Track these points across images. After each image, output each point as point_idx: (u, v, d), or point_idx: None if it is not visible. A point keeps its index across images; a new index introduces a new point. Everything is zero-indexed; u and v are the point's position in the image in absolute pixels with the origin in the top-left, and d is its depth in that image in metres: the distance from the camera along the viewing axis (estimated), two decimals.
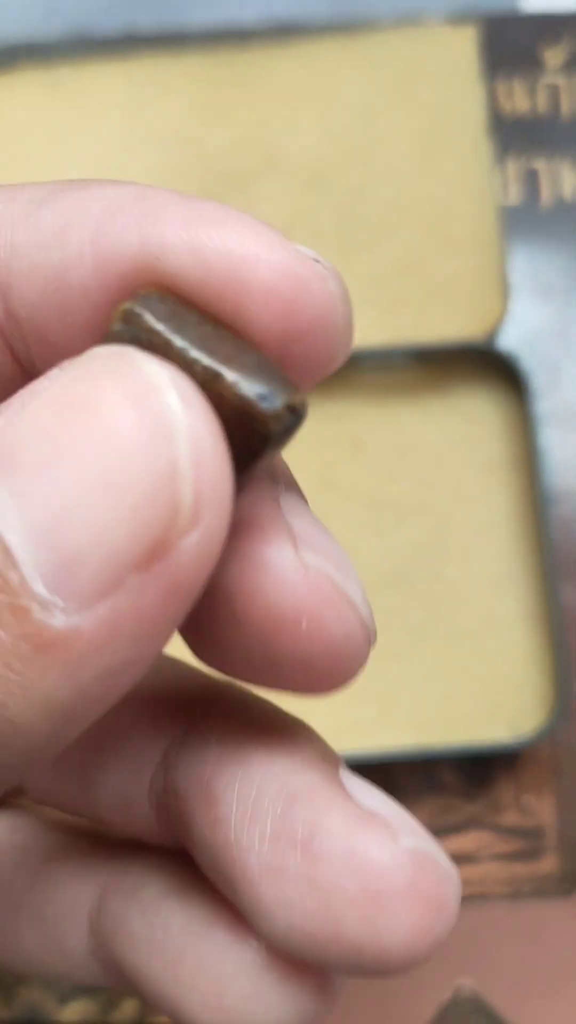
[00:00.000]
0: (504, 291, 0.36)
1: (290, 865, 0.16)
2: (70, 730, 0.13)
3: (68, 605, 0.12)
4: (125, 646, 0.13)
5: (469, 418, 0.35)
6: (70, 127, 0.38)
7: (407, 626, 0.34)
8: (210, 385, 0.13)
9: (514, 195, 0.37)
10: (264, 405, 0.13)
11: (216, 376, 0.13)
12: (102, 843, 0.19)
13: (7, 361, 0.16)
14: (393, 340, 0.35)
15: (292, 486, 0.16)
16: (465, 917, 0.27)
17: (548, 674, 0.33)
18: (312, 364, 0.14)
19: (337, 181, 0.37)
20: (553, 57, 0.38)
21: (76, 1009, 0.33)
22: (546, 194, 0.37)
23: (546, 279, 0.37)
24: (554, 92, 0.38)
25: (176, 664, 0.18)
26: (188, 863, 0.18)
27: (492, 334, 0.35)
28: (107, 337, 0.14)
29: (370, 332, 0.35)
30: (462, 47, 0.38)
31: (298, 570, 0.15)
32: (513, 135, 0.38)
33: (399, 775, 0.34)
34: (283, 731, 0.17)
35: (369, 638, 0.15)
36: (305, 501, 0.16)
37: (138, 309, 0.14)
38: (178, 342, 0.13)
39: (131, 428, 0.12)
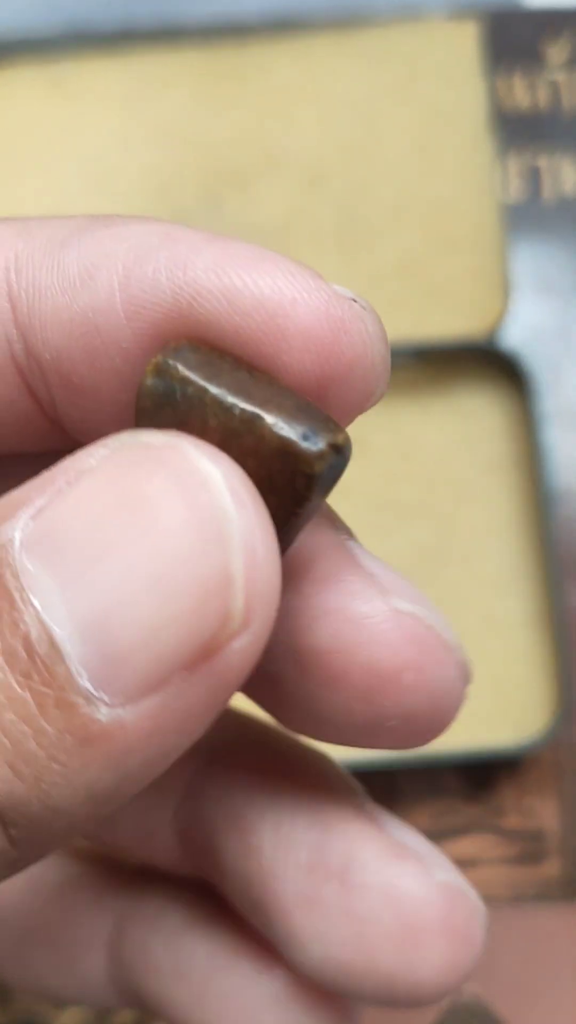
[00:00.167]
0: (506, 289, 0.36)
1: (326, 896, 0.16)
2: (109, 809, 0.13)
3: (113, 700, 0.12)
4: (168, 739, 0.13)
5: (471, 417, 0.35)
6: (68, 122, 0.37)
7: None
8: (250, 429, 0.13)
9: (515, 192, 0.37)
10: (307, 445, 0.13)
11: (255, 419, 0.13)
12: (118, 871, 0.19)
13: (26, 401, 0.15)
14: (394, 339, 0.35)
15: (346, 529, 0.16)
16: None
17: (551, 676, 0.33)
18: (348, 404, 0.14)
19: (337, 177, 0.37)
20: (555, 53, 0.38)
21: (73, 1014, 0.33)
22: (548, 191, 0.37)
23: (548, 277, 0.36)
24: (555, 88, 0.38)
25: None
26: (206, 893, 0.18)
27: (494, 333, 0.35)
28: (141, 393, 0.14)
29: None
30: (463, 43, 0.38)
31: (392, 620, 0.15)
32: (514, 131, 0.37)
33: (400, 776, 0.33)
34: (307, 761, 0.17)
35: (467, 679, 0.15)
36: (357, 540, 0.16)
37: (170, 361, 0.13)
38: (213, 389, 0.13)
39: (184, 529, 0.12)
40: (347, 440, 0.13)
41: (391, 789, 0.33)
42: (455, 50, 0.38)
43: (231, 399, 0.13)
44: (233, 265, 0.14)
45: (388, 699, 0.15)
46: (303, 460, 0.13)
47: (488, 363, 0.35)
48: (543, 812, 0.33)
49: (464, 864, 0.33)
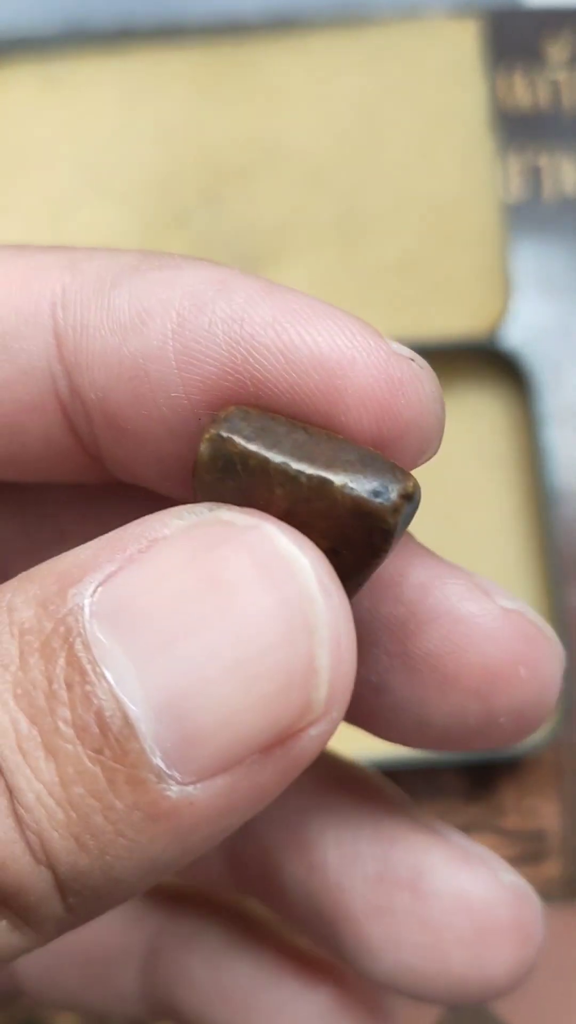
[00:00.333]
0: (506, 288, 0.36)
1: (398, 905, 0.16)
2: (165, 877, 0.13)
3: (184, 778, 0.12)
4: (235, 816, 0.13)
5: (472, 417, 0.35)
6: (67, 121, 0.37)
7: None
8: (319, 494, 0.13)
9: (516, 191, 0.37)
10: (380, 500, 0.13)
11: (324, 483, 0.13)
12: (153, 889, 0.19)
13: (66, 435, 0.15)
14: (394, 338, 0.35)
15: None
16: None
17: None
18: (402, 461, 0.14)
19: (337, 176, 0.37)
20: (556, 52, 0.38)
21: (73, 1016, 0.33)
22: (548, 190, 0.37)
23: (549, 276, 0.36)
24: (556, 87, 0.38)
25: None
26: (242, 913, 0.19)
27: (494, 332, 0.35)
28: (200, 467, 0.13)
29: None
30: (464, 41, 0.38)
31: (501, 618, 0.15)
32: (515, 130, 0.37)
33: (400, 777, 0.33)
34: (356, 775, 0.18)
35: (563, 668, 0.15)
36: None
37: (224, 434, 0.13)
38: (276, 459, 0.13)
39: (270, 617, 0.12)
40: (416, 486, 0.13)
41: None
42: (456, 49, 0.38)
43: (295, 466, 0.13)
44: (291, 321, 0.13)
45: (503, 695, 0.15)
46: (378, 517, 0.13)
47: (489, 362, 0.35)
48: (543, 812, 0.33)
49: None
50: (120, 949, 0.19)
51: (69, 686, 0.12)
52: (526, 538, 0.34)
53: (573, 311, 0.36)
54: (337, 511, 0.13)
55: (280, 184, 0.37)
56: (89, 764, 0.12)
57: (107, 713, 0.12)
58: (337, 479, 0.13)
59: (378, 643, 0.15)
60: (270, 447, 0.13)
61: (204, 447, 0.13)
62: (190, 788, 0.12)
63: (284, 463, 0.13)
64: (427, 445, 0.14)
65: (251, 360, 0.13)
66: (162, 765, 0.12)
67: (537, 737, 0.32)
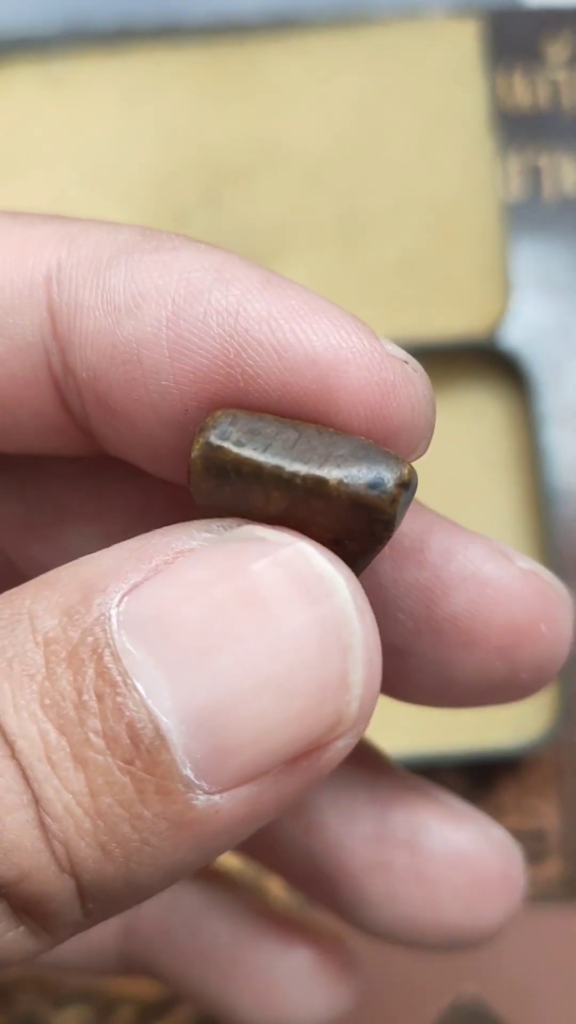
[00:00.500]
0: (506, 288, 0.36)
1: (396, 862, 0.17)
2: (179, 880, 0.13)
3: (211, 787, 0.12)
4: (256, 823, 0.13)
5: (471, 417, 0.35)
6: (67, 121, 0.37)
7: None
8: (316, 493, 0.13)
9: (516, 191, 0.37)
10: (377, 493, 0.13)
11: (320, 482, 0.13)
12: None
13: (59, 410, 0.15)
14: (394, 337, 0.35)
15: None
16: None
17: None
18: None
19: (337, 176, 0.37)
20: (555, 52, 0.38)
21: (72, 1014, 0.33)
22: (548, 190, 0.37)
23: (549, 276, 0.36)
24: (556, 87, 0.38)
25: None
26: (219, 875, 0.19)
27: (494, 332, 0.35)
28: (194, 476, 0.13)
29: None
30: (464, 41, 0.38)
31: (522, 578, 0.15)
32: (515, 130, 0.37)
33: None
34: None
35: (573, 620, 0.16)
36: None
37: (214, 442, 0.13)
38: (268, 464, 0.13)
39: (307, 635, 0.12)
40: (412, 471, 0.13)
41: None
42: (455, 49, 0.38)
43: (289, 469, 0.13)
44: (286, 317, 0.13)
45: (526, 651, 0.15)
46: (377, 509, 0.13)
47: (488, 362, 0.35)
48: (543, 812, 0.33)
49: None
50: None
51: (99, 697, 0.12)
52: (526, 538, 0.34)
53: (573, 311, 0.36)
54: (336, 507, 0.13)
55: (280, 184, 0.37)
56: (119, 775, 0.12)
57: (139, 725, 0.12)
58: (332, 477, 0.13)
59: (403, 609, 0.15)
60: (262, 451, 0.13)
61: (196, 457, 0.13)
62: (216, 797, 0.12)
63: (277, 467, 0.13)
64: (416, 447, 0.14)
65: (244, 355, 0.13)
66: (191, 775, 0.12)
67: (537, 737, 0.32)
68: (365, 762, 0.18)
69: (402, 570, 0.16)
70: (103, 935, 0.20)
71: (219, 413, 0.13)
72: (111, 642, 0.12)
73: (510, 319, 0.35)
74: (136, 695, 0.12)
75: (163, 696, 0.12)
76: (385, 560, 0.15)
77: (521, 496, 0.35)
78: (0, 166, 0.37)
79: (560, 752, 0.33)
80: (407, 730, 0.33)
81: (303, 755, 0.12)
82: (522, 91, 0.38)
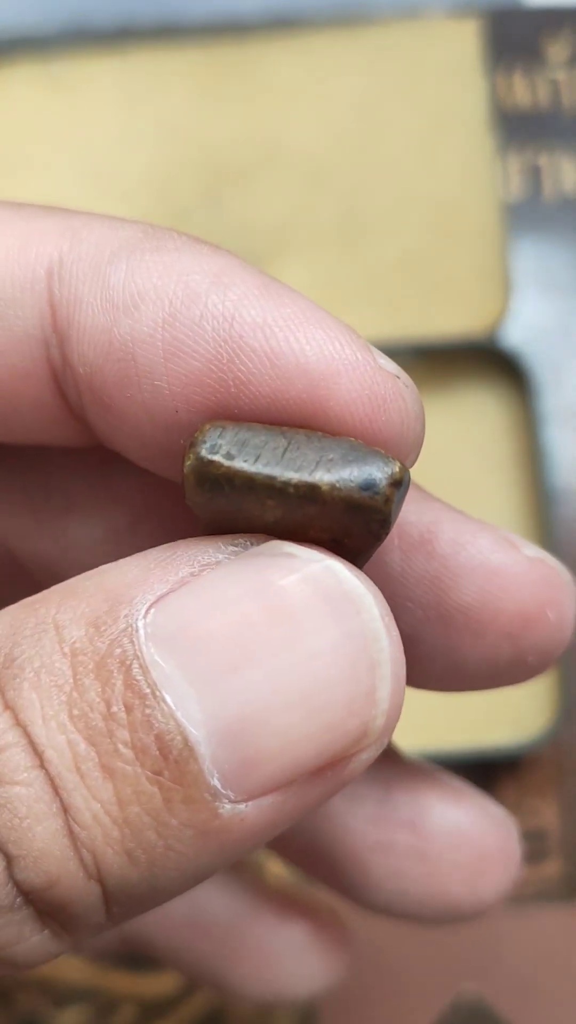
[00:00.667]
0: (506, 288, 0.36)
1: (399, 841, 0.18)
2: (201, 882, 0.13)
3: (237, 796, 0.12)
4: (277, 830, 0.13)
5: (472, 417, 0.35)
6: (67, 120, 0.37)
7: None
8: (310, 499, 0.13)
9: (516, 190, 0.37)
10: (370, 494, 0.13)
11: (312, 488, 0.13)
12: None
13: (58, 402, 0.15)
14: (395, 337, 0.35)
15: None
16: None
17: (551, 676, 0.33)
18: None
19: (337, 176, 0.37)
20: (556, 51, 0.38)
21: (72, 1014, 0.33)
22: (548, 189, 0.37)
23: (549, 275, 0.36)
24: (556, 86, 0.38)
25: None
26: None
27: (494, 331, 0.35)
28: (188, 490, 0.13)
29: (371, 329, 0.35)
30: (464, 41, 0.38)
31: (530, 566, 0.16)
32: (515, 130, 0.37)
33: None
34: None
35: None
36: None
37: (205, 456, 0.13)
38: (260, 474, 0.13)
39: (336, 651, 0.13)
40: (404, 468, 0.13)
41: None
42: (455, 48, 0.38)
43: (281, 479, 0.13)
44: (281, 325, 0.13)
45: (533, 636, 0.16)
46: (372, 509, 0.13)
47: (489, 362, 0.35)
48: (543, 812, 0.33)
49: None
50: None
51: (128, 709, 0.12)
52: (526, 538, 0.34)
53: (573, 311, 0.36)
54: (331, 510, 0.13)
55: (280, 184, 0.37)
56: (147, 785, 0.12)
57: (167, 736, 0.12)
58: (324, 482, 0.13)
59: (412, 598, 0.16)
60: (253, 462, 0.13)
61: (188, 472, 0.13)
62: (242, 806, 0.12)
63: (269, 477, 0.13)
64: (403, 460, 0.14)
65: (236, 360, 0.13)
66: (218, 785, 0.12)
67: (537, 737, 0.32)
68: None
69: (412, 560, 0.16)
70: None
71: (207, 426, 0.13)
72: (139, 654, 0.12)
73: (510, 319, 0.35)
74: (165, 707, 0.12)
75: (192, 708, 0.12)
76: (395, 550, 0.16)
77: (521, 496, 0.35)
78: (0, 166, 0.37)
79: (560, 752, 0.33)
80: (407, 729, 0.33)
81: (328, 766, 0.13)
82: (522, 91, 0.38)
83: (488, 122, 0.37)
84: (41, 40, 0.37)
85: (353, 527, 0.13)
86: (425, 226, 0.36)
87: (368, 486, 0.13)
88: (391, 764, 0.18)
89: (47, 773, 0.12)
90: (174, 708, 0.12)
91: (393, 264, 0.36)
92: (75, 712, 0.12)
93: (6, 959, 0.13)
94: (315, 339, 0.13)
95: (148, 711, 0.12)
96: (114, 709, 0.12)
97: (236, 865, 0.20)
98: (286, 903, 0.20)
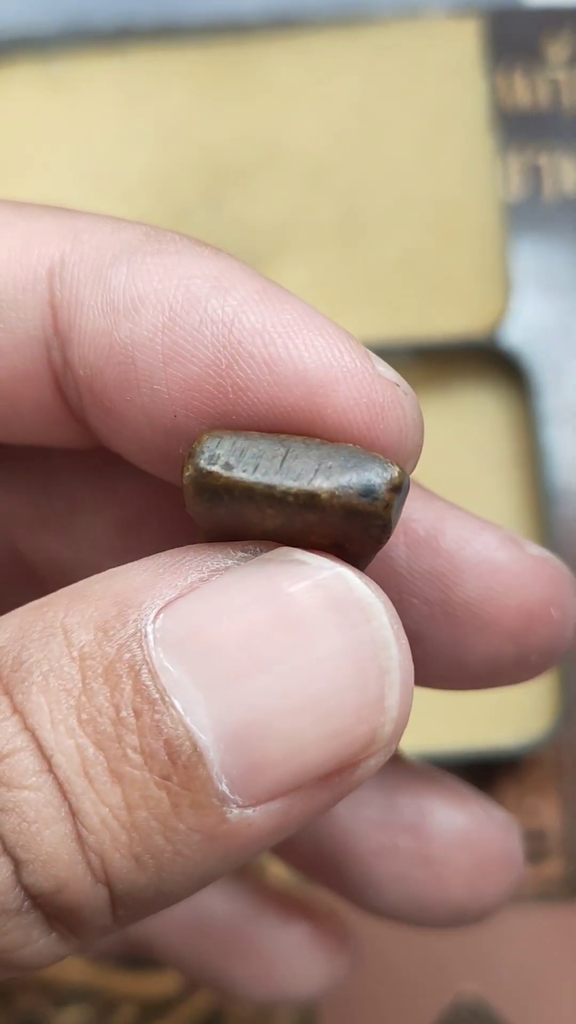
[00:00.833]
0: (506, 288, 0.35)
1: (402, 845, 0.18)
2: (207, 886, 0.13)
3: (245, 801, 0.12)
4: (284, 834, 0.13)
5: (471, 417, 0.35)
6: (67, 121, 0.37)
7: None
8: (310, 506, 0.13)
9: (516, 190, 0.37)
10: (370, 500, 0.13)
11: (312, 497, 0.13)
12: None
13: (59, 404, 0.15)
14: (394, 337, 0.35)
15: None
16: None
17: (551, 676, 0.33)
18: None
19: (337, 176, 0.37)
20: (556, 51, 0.38)
21: (72, 1014, 0.33)
22: (548, 189, 0.37)
23: (549, 275, 0.36)
24: (556, 86, 0.38)
25: None
26: None
27: (494, 331, 0.35)
28: (188, 500, 0.13)
29: (371, 329, 0.35)
30: (464, 40, 0.38)
31: (533, 564, 0.16)
32: (515, 130, 0.37)
33: None
34: None
35: None
36: None
37: (204, 467, 0.13)
38: (259, 484, 0.13)
39: (346, 658, 0.13)
40: (403, 473, 0.13)
41: None
42: (455, 48, 0.37)
43: (280, 488, 0.13)
44: (280, 332, 0.13)
45: (536, 634, 0.16)
46: (372, 515, 0.13)
47: (489, 362, 0.35)
48: (544, 812, 0.33)
49: None
50: None
51: (137, 714, 0.12)
52: (526, 538, 0.34)
53: (573, 311, 0.36)
54: (331, 517, 0.13)
55: (280, 184, 0.37)
56: (156, 790, 0.12)
57: (176, 742, 0.12)
58: (323, 490, 0.13)
59: (417, 594, 0.16)
60: (251, 471, 0.13)
61: (187, 482, 0.13)
62: (249, 811, 0.12)
63: (269, 487, 0.13)
64: (403, 467, 0.14)
65: (235, 366, 0.13)
66: (226, 790, 0.12)
67: (537, 737, 0.32)
68: None
69: (417, 557, 0.16)
70: None
71: (204, 436, 0.13)
72: (148, 659, 0.12)
73: (510, 319, 0.35)
74: (174, 712, 0.12)
75: (200, 714, 0.12)
76: (400, 547, 0.16)
77: (521, 496, 0.35)
78: (0, 166, 0.37)
79: (560, 752, 0.33)
80: (408, 729, 0.33)
81: (335, 772, 0.13)
82: (522, 91, 0.38)
83: (488, 122, 0.37)
84: (41, 40, 0.37)
85: (354, 533, 0.13)
86: (425, 226, 0.36)
87: (367, 492, 0.13)
88: (394, 768, 0.18)
89: (55, 777, 0.12)
90: (183, 713, 0.12)
91: (393, 264, 0.36)
92: (84, 716, 0.12)
93: (14, 962, 0.13)
94: (314, 346, 0.13)
95: (157, 716, 0.12)
96: (123, 714, 0.12)
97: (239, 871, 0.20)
98: (287, 904, 0.20)
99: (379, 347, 0.34)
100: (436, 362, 0.35)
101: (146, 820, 0.12)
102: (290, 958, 0.20)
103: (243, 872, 0.21)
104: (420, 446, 0.14)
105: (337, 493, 0.13)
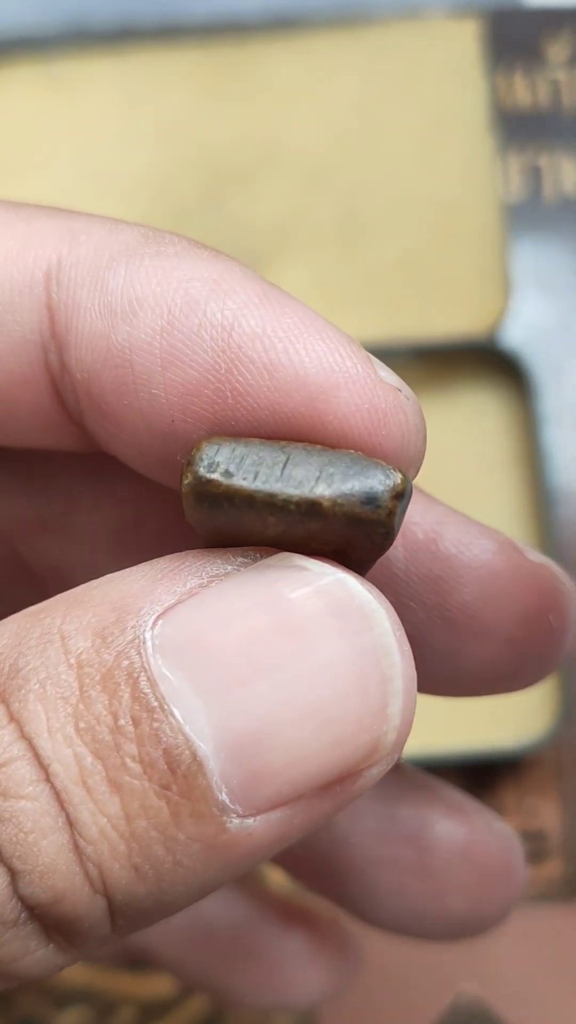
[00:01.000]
0: (506, 288, 0.35)
1: (402, 857, 0.18)
2: (207, 895, 0.13)
3: (245, 811, 0.12)
4: (284, 844, 0.13)
5: (471, 417, 0.35)
6: (67, 121, 0.37)
7: None
8: (312, 515, 0.13)
9: (516, 190, 0.37)
10: (372, 507, 0.13)
11: (314, 505, 0.13)
12: None
13: (56, 407, 0.15)
14: (394, 337, 0.35)
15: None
16: None
17: (552, 677, 0.33)
18: None
19: (337, 176, 0.37)
20: (556, 51, 0.38)
21: (72, 1015, 0.33)
22: (548, 189, 0.37)
23: (549, 276, 0.36)
24: (556, 87, 0.38)
25: None
26: None
27: (494, 332, 0.35)
28: (188, 508, 0.13)
29: (371, 329, 0.35)
30: (464, 41, 0.37)
31: (533, 570, 0.16)
32: (515, 130, 0.37)
33: None
34: None
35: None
36: None
37: (203, 475, 0.13)
38: (260, 492, 0.13)
39: (348, 666, 0.12)
40: (405, 479, 0.13)
41: None
42: (455, 48, 0.37)
43: (281, 496, 0.13)
44: (280, 336, 0.13)
45: (534, 641, 0.16)
46: (375, 522, 0.13)
47: (489, 362, 0.35)
48: (544, 812, 0.33)
49: None
50: None
51: (136, 722, 0.12)
52: (526, 538, 0.34)
53: (573, 311, 0.36)
54: (333, 525, 0.13)
55: (280, 184, 0.37)
56: (155, 799, 0.12)
57: (176, 751, 0.12)
58: (325, 498, 0.13)
59: (414, 598, 0.16)
60: (252, 479, 0.13)
61: (187, 490, 0.13)
62: (250, 821, 0.12)
63: (270, 495, 0.13)
64: (405, 473, 0.14)
65: (234, 371, 0.13)
66: (226, 800, 0.12)
67: (537, 737, 0.32)
68: None
69: (416, 560, 0.16)
70: None
71: (203, 443, 0.13)
72: (147, 666, 0.12)
73: (510, 319, 0.35)
74: (173, 721, 0.12)
75: (200, 722, 0.12)
76: (399, 550, 0.16)
77: (521, 496, 0.35)
78: (0, 166, 0.37)
79: (560, 752, 0.33)
80: None
81: (337, 781, 0.13)
82: (522, 91, 0.38)
83: (488, 122, 0.37)
84: (41, 40, 0.37)
85: (356, 539, 0.13)
86: (425, 226, 0.36)
87: (370, 500, 0.13)
88: (395, 778, 0.18)
89: (53, 787, 0.12)
90: (182, 722, 0.12)
91: (393, 264, 0.36)
92: (81, 725, 0.12)
93: (11, 973, 0.13)
94: (315, 351, 0.13)
95: (156, 725, 0.12)
96: (121, 722, 0.12)
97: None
98: (288, 911, 0.20)
99: (379, 347, 0.34)
100: (436, 362, 0.35)
101: (145, 830, 0.12)
102: (290, 965, 0.20)
103: (244, 879, 0.20)
104: (422, 452, 0.14)
105: (339, 501, 0.13)
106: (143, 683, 0.12)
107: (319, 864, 0.18)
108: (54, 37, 0.37)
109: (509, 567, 0.16)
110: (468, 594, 0.16)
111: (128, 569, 0.13)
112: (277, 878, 0.29)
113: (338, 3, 0.38)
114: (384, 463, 0.13)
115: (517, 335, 0.35)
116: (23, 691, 0.12)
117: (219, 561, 0.13)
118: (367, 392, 0.13)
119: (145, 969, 0.32)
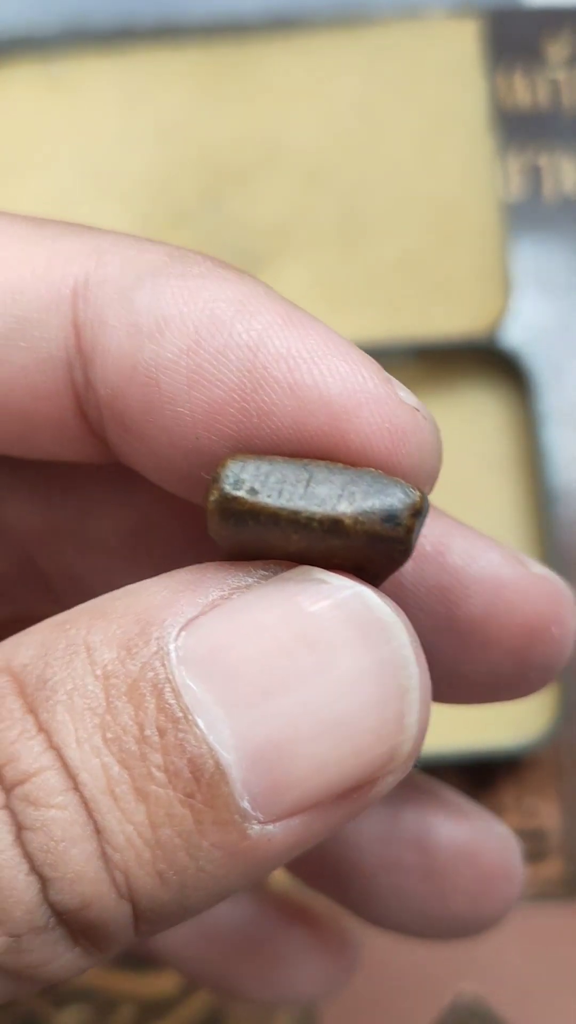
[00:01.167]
0: (506, 288, 0.36)
1: (406, 860, 0.18)
2: (226, 899, 0.14)
3: (265, 818, 0.13)
4: (303, 848, 0.13)
5: (471, 417, 0.35)
6: (67, 121, 0.37)
7: None
8: (334, 532, 0.13)
9: (516, 190, 0.37)
10: (393, 525, 0.13)
11: (336, 523, 0.13)
12: None
13: (78, 422, 0.15)
14: (394, 337, 0.35)
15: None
16: None
17: None
18: None
19: (337, 176, 0.37)
20: (556, 51, 0.38)
21: (72, 1014, 0.33)
22: (548, 189, 0.37)
23: (549, 275, 0.36)
24: (556, 86, 0.38)
25: None
26: None
27: (494, 331, 0.35)
28: (212, 525, 0.13)
29: (371, 329, 0.35)
30: (464, 41, 0.38)
31: (536, 582, 0.16)
32: (515, 130, 0.37)
33: None
34: None
35: None
36: None
37: (229, 492, 0.13)
38: (284, 510, 0.13)
39: (368, 678, 0.13)
40: (423, 498, 0.13)
41: None
42: (455, 48, 0.37)
43: (305, 513, 0.13)
44: (304, 357, 0.13)
45: (537, 651, 0.16)
46: (395, 540, 0.13)
47: (489, 362, 0.35)
48: (543, 812, 0.33)
49: None
50: None
51: (161, 732, 0.12)
52: (526, 538, 0.34)
53: (573, 311, 0.36)
54: (354, 542, 0.13)
55: (280, 184, 0.37)
56: (179, 807, 0.12)
57: (199, 760, 0.12)
58: (347, 517, 0.13)
59: (422, 608, 0.16)
60: (276, 497, 0.13)
61: (212, 507, 0.13)
62: (270, 827, 0.13)
63: (294, 512, 0.13)
64: (421, 489, 0.15)
65: (260, 391, 0.14)
66: (248, 807, 0.12)
67: (537, 737, 0.32)
68: None
69: (424, 572, 0.16)
70: None
71: (229, 461, 0.13)
72: (171, 677, 0.12)
73: (510, 319, 0.35)
74: (197, 731, 0.12)
75: (223, 732, 0.12)
76: (407, 561, 0.16)
77: (521, 496, 0.35)
78: (0, 166, 0.37)
79: (560, 752, 0.33)
80: None
81: (354, 791, 0.13)
82: (522, 91, 0.38)
83: (488, 122, 0.37)
84: (41, 40, 0.37)
85: (375, 556, 0.13)
86: (425, 226, 0.36)
87: (390, 518, 0.13)
88: (400, 783, 0.19)
89: (81, 796, 0.12)
90: (206, 732, 0.12)
91: (393, 264, 0.36)
92: (108, 735, 0.12)
93: (38, 977, 0.13)
94: (338, 371, 0.13)
95: (181, 735, 0.12)
96: (147, 732, 0.12)
97: None
98: (290, 908, 0.21)
99: (379, 347, 0.34)
100: (436, 362, 0.35)
101: (170, 837, 0.12)
102: (291, 961, 0.20)
103: None
104: (438, 469, 0.14)
105: (361, 519, 0.13)
106: (168, 694, 0.12)
107: (323, 866, 0.19)
108: (54, 37, 0.37)
109: (514, 579, 0.16)
110: (474, 605, 0.16)
111: (149, 580, 0.13)
112: (278, 876, 0.29)
113: (338, 3, 0.38)
114: (403, 481, 0.13)
115: (517, 335, 0.35)
116: (51, 702, 0.12)
117: (240, 574, 0.13)
118: (388, 412, 0.14)
119: (146, 967, 0.32)
